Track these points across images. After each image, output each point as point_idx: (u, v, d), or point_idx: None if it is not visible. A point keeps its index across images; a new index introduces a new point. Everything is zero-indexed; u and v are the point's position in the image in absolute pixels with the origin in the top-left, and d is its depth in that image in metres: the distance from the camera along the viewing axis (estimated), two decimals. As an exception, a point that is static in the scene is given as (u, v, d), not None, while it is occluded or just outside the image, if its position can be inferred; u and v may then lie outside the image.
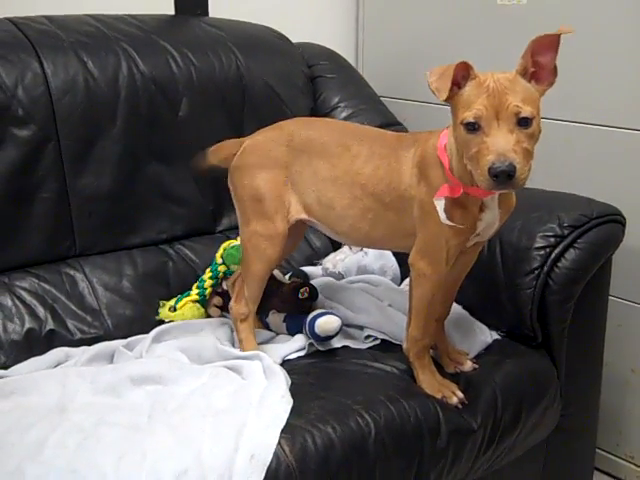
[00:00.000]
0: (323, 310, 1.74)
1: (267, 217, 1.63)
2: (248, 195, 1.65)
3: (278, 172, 1.64)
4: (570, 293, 1.74)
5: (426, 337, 1.59)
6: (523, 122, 1.32)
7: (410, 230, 1.55)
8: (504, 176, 1.29)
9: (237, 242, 1.91)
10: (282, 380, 1.50)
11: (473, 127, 1.32)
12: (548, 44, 1.35)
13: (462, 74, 1.35)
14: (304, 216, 1.65)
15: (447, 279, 1.58)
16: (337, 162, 1.60)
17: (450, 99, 1.37)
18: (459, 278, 1.65)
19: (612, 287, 1.90)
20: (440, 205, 1.45)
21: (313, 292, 1.81)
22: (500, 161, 1.28)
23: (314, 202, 1.63)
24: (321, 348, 1.72)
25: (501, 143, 1.30)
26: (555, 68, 1.37)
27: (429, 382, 1.59)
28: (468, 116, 1.32)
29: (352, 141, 1.61)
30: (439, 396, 1.57)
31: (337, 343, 1.74)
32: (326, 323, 1.68)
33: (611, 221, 1.78)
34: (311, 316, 1.70)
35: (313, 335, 1.69)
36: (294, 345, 1.74)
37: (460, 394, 1.58)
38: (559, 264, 1.72)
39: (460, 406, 1.57)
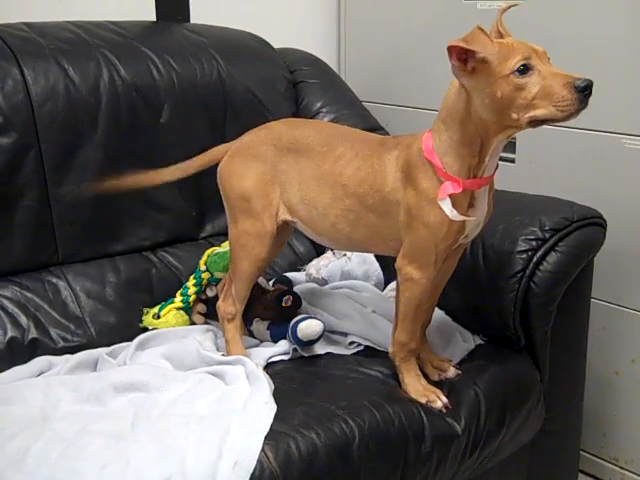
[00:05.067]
0: (305, 315, 1.74)
1: (255, 216, 1.64)
2: (236, 194, 1.65)
3: (265, 171, 1.64)
4: (552, 296, 1.74)
5: (412, 341, 1.59)
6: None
7: (392, 234, 1.55)
8: (589, 89, 1.32)
9: (221, 249, 1.91)
10: (265, 386, 1.49)
11: (526, 69, 1.34)
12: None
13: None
14: (288, 217, 1.66)
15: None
16: (321, 162, 1.61)
17: (472, 72, 1.37)
18: (442, 283, 1.66)
19: (594, 290, 1.91)
20: (446, 204, 1.45)
21: (296, 300, 1.81)
22: (579, 78, 1.32)
23: (298, 201, 1.63)
24: (304, 354, 1.72)
25: (561, 71, 1.35)
26: None
27: (414, 386, 1.59)
28: (518, 60, 1.34)
29: (337, 141, 1.62)
30: (424, 401, 1.57)
31: (320, 349, 1.73)
32: (308, 327, 1.68)
33: (592, 224, 1.79)
34: (293, 321, 1.70)
35: (296, 340, 1.69)
36: (279, 349, 1.74)
37: (444, 399, 1.58)
38: (541, 267, 1.72)
39: (444, 411, 1.57)
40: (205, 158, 1.75)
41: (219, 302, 1.74)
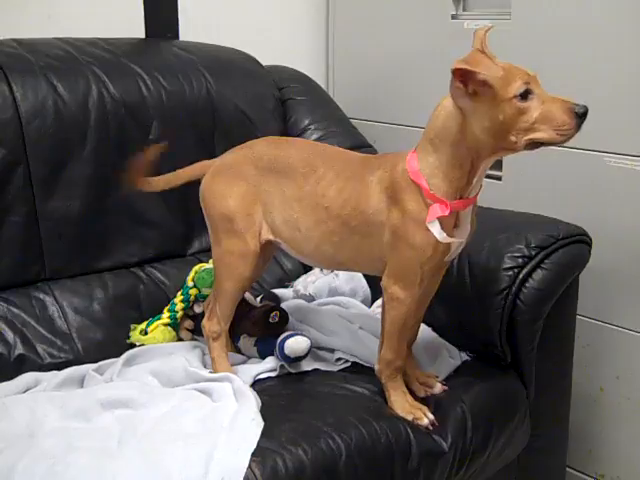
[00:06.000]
0: (293, 331, 1.75)
1: (238, 236, 1.64)
2: (219, 214, 1.66)
3: (247, 191, 1.64)
4: (538, 313, 1.75)
5: (398, 359, 1.59)
6: None
7: (376, 254, 1.55)
8: (586, 114, 1.37)
9: (208, 265, 1.91)
10: (252, 402, 1.50)
11: (527, 94, 1.37)
12: None
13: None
14: (271, 237, 1.66)
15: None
16: (303, 183, 1.61)
17: (472, 94, 1.38)
18: (426, 300, 1.66)
19: (580, 307, 1.92)
20: (435, 227, 1.46)
21: (284, 316, 1.81)
22: (577, 104, 1.37)
23: (281, 222, 1.64)
24: (292, 370, 1.72)
25: (558, 96, 1.39)
26: None
27: (401, 403, 1.59)
28: (519, 86, 1.37)
29: (319, 162, 1.62)
30: (410, 418, 1.57)
31: (308, 366, 1.73)
32: (295, 344, 1.68)
33: (577, 242, 1.81)
34: (281, 338, 1.70)
35: (283, 357, 1.69)
36: (266, 366, 1.74)
37: (431, 416, 1.58)
38: (527, 284, 1.73)
39: (431, 428, 1.57)
40: (189, 172, 1.75)
41: (204, 321, 1.74)
